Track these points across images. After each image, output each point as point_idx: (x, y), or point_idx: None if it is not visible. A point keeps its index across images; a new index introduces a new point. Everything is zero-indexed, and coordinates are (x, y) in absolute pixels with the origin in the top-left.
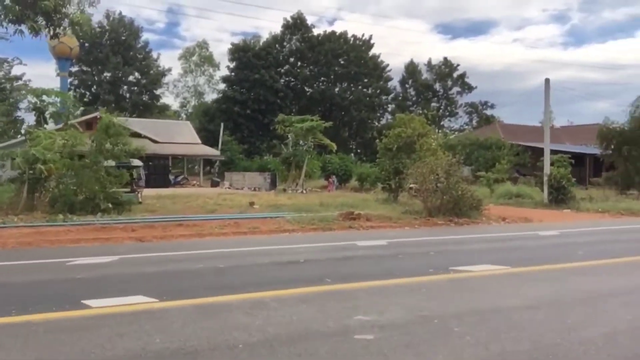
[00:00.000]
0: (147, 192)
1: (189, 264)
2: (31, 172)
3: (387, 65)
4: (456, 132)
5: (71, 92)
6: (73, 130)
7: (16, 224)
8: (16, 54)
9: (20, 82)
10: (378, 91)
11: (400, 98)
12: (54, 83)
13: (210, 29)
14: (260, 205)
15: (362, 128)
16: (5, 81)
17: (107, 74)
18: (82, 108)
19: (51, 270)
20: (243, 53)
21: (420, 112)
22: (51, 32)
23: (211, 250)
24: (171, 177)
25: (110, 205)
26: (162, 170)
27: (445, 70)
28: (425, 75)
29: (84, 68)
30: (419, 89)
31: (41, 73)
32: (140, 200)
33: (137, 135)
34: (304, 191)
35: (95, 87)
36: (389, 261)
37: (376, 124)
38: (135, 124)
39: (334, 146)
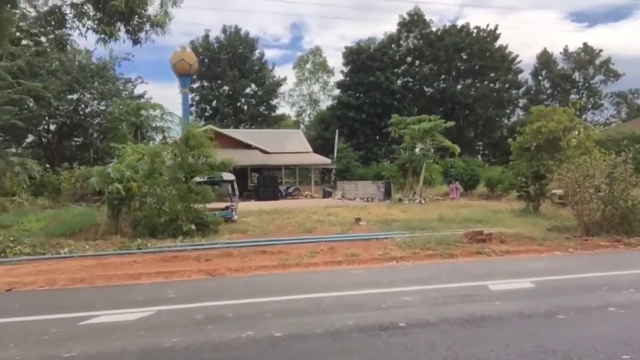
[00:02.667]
0: (250, 206)
1: (234, 326)
2: (109, 192)
3: (517, 56)
4: (602, 126)
5: (193, 107)
6: (160, 145)
7: (83, 253)
8: (146, 76)
9: (143, 100)
10: (507, 85)
11: (532, 92)
12: (178, 100)
13: (331, 38)
14: (368, 222)
15: (489, 127)
16: (130, 101)
17: (225, 88)
18: (202, 122)
19: (42, 338)
20: (357, 56)
21: (558, 105)
22: (131, 37)
23: (282, 297)
24: (282, 189)
25: (193, 227)
26: (271, 181)
27: (585, 57)
28: (562, 64)
29: (205, 83)
30: (555, 80)
31: (167, 93)
32: (235, 217)
33: (247, 146)
34: (423, 201)
35: (215, 101)
36: (543, 328)
37: (505, 121)
38: (245, 134)
39: (457, 148)
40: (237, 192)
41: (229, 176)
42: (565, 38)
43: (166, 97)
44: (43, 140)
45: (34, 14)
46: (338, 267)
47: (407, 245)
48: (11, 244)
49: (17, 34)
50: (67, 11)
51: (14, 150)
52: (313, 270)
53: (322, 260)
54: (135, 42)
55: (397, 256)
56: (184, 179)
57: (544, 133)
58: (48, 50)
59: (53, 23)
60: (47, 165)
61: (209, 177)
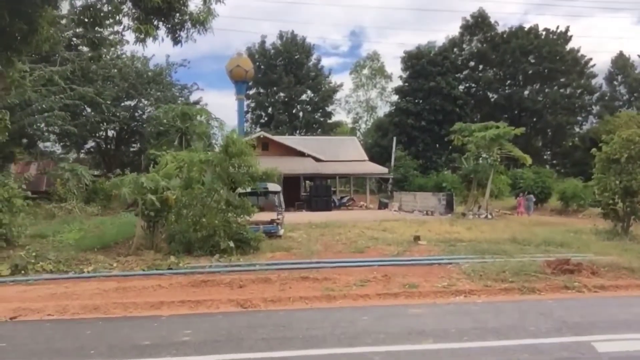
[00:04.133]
0: (301, 217)
1: None
2: (143, 204)
3: (590, 59)
4: None
5: (249, 114)
6: (199, 152)
7: (107, 273)
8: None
9: (198, 107)
10: (579, 91)
11: (607, 98)
12: (234, 107)
13: (390, 46)
14: (429, 241)
15: (559, 135)
16: (175, 105)
17: (281, 94)
18: (257, 129)
19: None
20: (417, 60)
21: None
22: (171, 36)
23: (318, 352)
24: (335, 199)
25: (231, 244)
26: (324, 191)
27: None
28: None
29: (260, 90)
30: (632, 85)
31: (224, 101)
32: (280, 232)
33: (300, 154)
34: (489, 216)
35: (270, 108)
36: None
37: (577, 129)
38: (298, 141)
39: (528, 159)
40: (283, 205)
41: (274, 187)
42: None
43: (223, 104)
44: (101, 146)
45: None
46: (393, 301)
47: (477, 275)
48: (33, 260)
49: (74, 39)
50: (104, 9)
51: (74, 156)
52: (363, 304)
53: (374, 292)
54: (176, 41)
55: (466, 289)
56: (222, 191)
57: (636, 143)
58: (103, 55)
59: (87, 21)
60: (101, 172)
61: (253, 188)
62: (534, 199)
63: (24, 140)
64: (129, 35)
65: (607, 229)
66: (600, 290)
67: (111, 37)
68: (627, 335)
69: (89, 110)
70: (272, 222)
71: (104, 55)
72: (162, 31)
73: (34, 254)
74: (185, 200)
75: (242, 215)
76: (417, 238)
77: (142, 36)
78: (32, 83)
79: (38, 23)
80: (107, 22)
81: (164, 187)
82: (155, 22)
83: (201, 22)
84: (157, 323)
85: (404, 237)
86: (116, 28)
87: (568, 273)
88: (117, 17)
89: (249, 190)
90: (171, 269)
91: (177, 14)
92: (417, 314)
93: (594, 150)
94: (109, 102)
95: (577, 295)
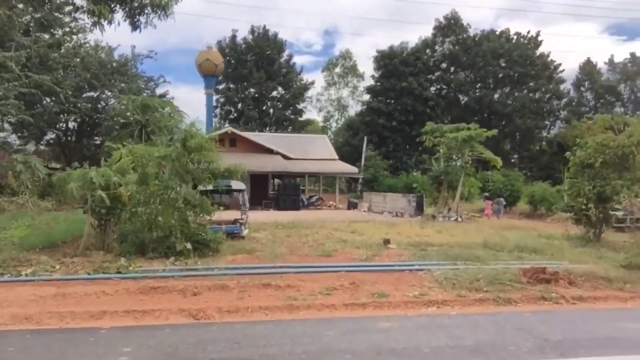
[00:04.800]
0: (267, 216)
1: None
2: (93, 201)
3: (560, 64)
4: None
5: (218, 109)
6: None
7: (48, 276)
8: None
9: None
10: (548, 95)
11: (574, 103)
12: (203, 102)
13: (364, 47)
14: (399, 244)
15: (527, 139)
16: (134, 96)
17: (251, 90)
18: (226, 125)
19: None
20: (389, 60)
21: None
22: (130, 21)
23: None
24: (304, 198)
25: (188, 246)
26: (292, 190)
27: (633, 68)
28: (607, 75)
29: (230, 85)
30: (599, 91)
31: (192, 96)
32: (243, 233)
33: (268, 151)
34: (459, 218)
35: (240, 103)
36: None
37: (545, 134)
38: (267, 138)
39: (499, 161)
40: (247, 203)
41: (238, 184)
42: (605, 50)
43: (193, 99)
44: (61, 138)
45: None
46: (361, 312)
47: (450, 283)
48: None
49: (32, 24)
50: None
51: (33, 148)
52: (328, 316)
53: (340, 301)
54: (135, 26)
55: (438, 299)
56: (179, 188)
57: (611, 147)
58: (63, 43)
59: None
60: (62, 165)
61: (215, 186)
62: (504, 202)
63: None
64: (86, 20)
65: (579, 235)
66: (579, 301)
67: (66, 20)
68: (616, 357)
69: (48, 100)
70: (235, 222)
71: (64, 43)
72: (120, 15)
73: None
74: (140, 197)
75: (201, 215)
76: (386, 241)
77: (96, 19)
78: None
79: None
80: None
81: (115, 183)
82: (113, 5)
83: (162, 6)
84: (95, 337)
85: (374, 240)
86: (67, 8)
87: (544, 283)
88: None
89: (210, 188)
90: (120, 272)
91: None
92: (387, 329)
93: (567, 154)
94: (69, 93)
95: (555, 307)
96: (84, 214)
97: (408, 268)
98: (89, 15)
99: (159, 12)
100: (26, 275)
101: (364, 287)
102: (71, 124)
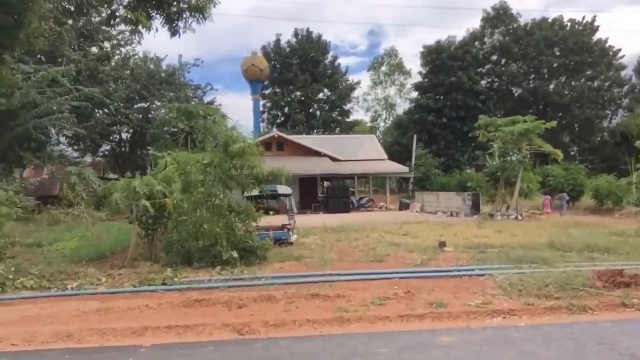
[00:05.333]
0: (316, 220)
1: None
2: (138, 211)
3: (619, 50)
4: None
5: (265, 114)
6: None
7: (93, 290)
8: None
9: (212, 107)
10: (607, 83)
11: (637, 90)
12: (250, 108)
13: (409, 46)
14: (455, 247)
15: (587, 130)
16: (179, 104)
17: (297, 93)
18: (274, 129)
19: None
20: (436, 55)
21: None
22: (168, 26)
23: None
24: (354, 200)
25: (234, 254)
26: (342, 192)
27: None
28: None
29: (276, 89)
30: None
31: (239, 102)
32: (291, 239)
33: (316, 153)
34: (519, 216)
35: (286, 107)
36: None
37: (606, 124)
38: (314, 141)
39: (560, 154)
40: (294, 208)
41: (284, 189)
42: None
43: (240, 106)
44: (115, 149)
45: (97, 18)
46: (418, 324)
47: (515, 289)
48: (12, 275)
49: (81, 39)
50: None
51: (89, 160)
52: (381, 329)
53: (394, 312)
54: (174, 32)
55: (504, 308)
56: (221, 194)
57: None
58: (111, 55)
59: (72, 9)
60: (118, 175)
61: (260, 191)
62: (567, 198)
63: (32, 144)
64: (125, 28)
65: None
66: None
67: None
68: None
69: (99, 112)
70: (282, 227)
71: (113, 56)
72: (158, 21)
73: (12, 268)
74: (185, 205)
75: (247, 222)
76: (442, 244)
77: (134, 26)
78: (35, 84)
79: (25, 15)
80: (93, 9)
81: (159, 192)
82: (150, 11)
83: (200, 9)
84: (134, 357)
85: (428, 243)
86: (105, 16)
87: (623, 286)
88: (105, 5)
89: (256, 193)
90: (165, 284)
91: (174, 2)
92: (448, 344)
93: (638, 142)
94: (120, 104)
95: (638, 316)
96: (129, 224)
97: (467, 273)
98: (127, 24)
99: (197, 16)
100: (72, 289)
101: (420, 295)
102: (124, 135)
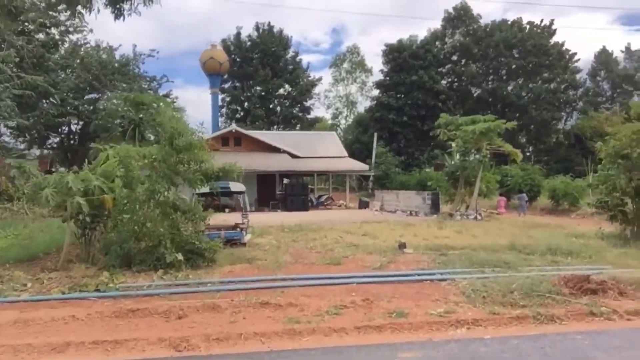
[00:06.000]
0: (274, 218)
1: None
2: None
3: (575, 53)
4: None
5: (224, 109)
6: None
7: (15, 297)
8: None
9: (168, 100)
10: (563, 86)
11: (590, 93)
12: (208, 101)
13: (372, 45)
14: (416, 248)
15: (543, 131)
16: (126, 93)
17: (257, 88)
18: (232, 124)
19: None
20: (398, 54)
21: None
22: (112, 8)
23: None
24: (313, 198)
25: (179, 257)
26: (301, 190)
27: None
28: (624, 64)
29: (236, 84)
30: (616, 80)
31: (198, 97)
32: (244, 239)
33: (275, 149)
34: (478, 216)
35: (246, 102)
36: None
37: (561, 125)
38: (273, 137)
39: (519, 154)
40: (247, 206)
41: (237, 186)
42: (618, 41)
43: (201, 101)
44: (64, 142)
45: (43, 3)
46: (377, 337)
47: (479, 296)
48: None
49: (26, 23)
50: None
51: (37, 152)
52: (336, 343)
53: (351, 323)
54: (118, 14)
55: (468, 318)
56: (166, 192)
57: None
58: (58, 43)
59: None
60: (67, 169)
61: (211, 188)
62: (527, 198)
63: None
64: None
65: (615, 233)
66: (635, 316)
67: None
68: None
69: (45, 102)
70: (235, 227)
71: (61, 43)
72: (100, 3)
73: None
74: (125, 203)
75: (194, 221)
76: (402, 245)
77: (70, 5)
78: None
79: None
80: None
81: (96, 187)
82: None
83: None
84: None
85: (388, 244)
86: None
87: (590, 294)
88: None
89: (206, 190)
90: (99, 289)
91: None
92: None
93: (598, 144)
94: (70, 95)
95: (608, 325)
96: (63, 222)
97: (429, 278)
98: (63, 2)
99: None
100: None
101: (379, 303)
102: (73, 127)
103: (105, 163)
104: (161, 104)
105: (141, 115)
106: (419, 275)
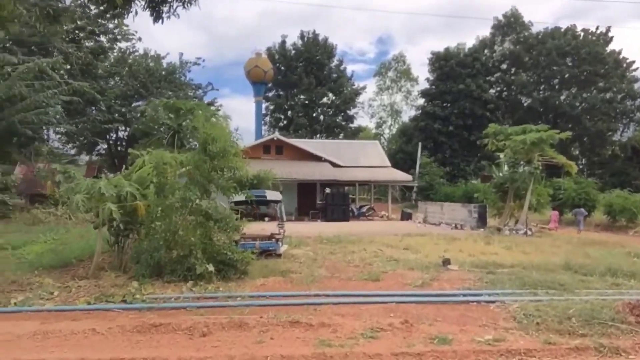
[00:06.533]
0: (312, 228)
1: None
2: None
3: (633, 62)
4: None
5: (267, 117)
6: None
7: (39, 306)
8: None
9: (212, 108)
10: (620, 96)
11: None
12: (253, 110)
13: (419, 54)
14: (461, 265)
15: (598, 143)
16: (166, 100)
17: (300, 97)
18: (276, 132)
19: None
20: (445, 62)
21: None
22: (151, 10)
23: None
24: (354, 208)
25: (210, 268)
26: (341, 199)
27: None
28: None
29: (280, 92)
30: None
31: (242, 106)
32: (280, 250)
33: (316, 158)
34: (529, 232)
35: (289, 111)
36: None
37: (617, 137)
38: (315, 145)
39: (574, 166)
40: (284, 216)
41: (274, 195)
42: None
43: (247, 110)
44: (112, 148)
45: (94, 10)
46: None
47: (532, 322)
48: None
49: (76, 31)
50: None
51: (86, 158)
52: None
53: (388, 349)
54: (157, 17)
55: (520, 348)
56: (198, 200)
57: None
58: (106, 50)
59: None
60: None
61: (247, 197)
62: (585, 213)
63: (21, 139)
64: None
65: None
66: None
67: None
68: None
69: (93, 109)
70: (270, 237)
71: (109, 51)
72: (139, 6)
73: None
74: (157, 211)
75: (228, 230)
76: (446, 261)
77: (107, 7)
78: (21, 75)
79: None
80: None
81: (128, 194)
82: None
83: None
84: None
85: (430, 259)
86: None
87: None
88: None
89: (241, 198)
90: (125, 300)
91: None
92: None
93: None
94: (117, 102)
95: None
96: (95, 229)
97: (475, 299)
98: (100, 6)
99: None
100: (15, 304)
101: (420, 326)
102: (121, 134)
103: (141, 169)
104: (202, 111)
105: (180, 122)
106: (464, 295)
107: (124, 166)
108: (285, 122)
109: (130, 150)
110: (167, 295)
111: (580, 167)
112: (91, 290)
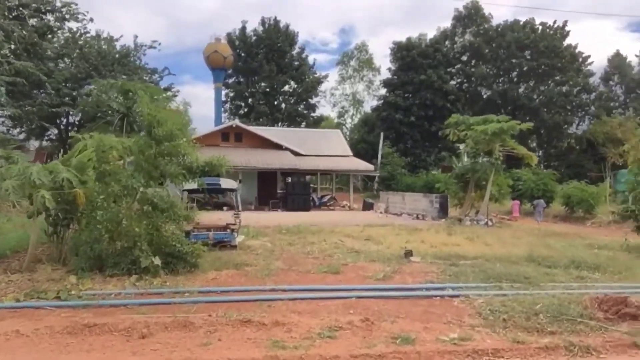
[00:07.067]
0: (272, 218)
1: None
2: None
3: (589, 56)
4: None
5: (227, 104)
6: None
7: None
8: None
9: (169, 93)
10: (576, 89)
11: (603, 98)
12: (211, 96)
13: (381, 46)
14: (423, 257)
15: (554, 135)
16: (114, 81)
17: (261, 84)
18: (235, 120)
19: None
20: (407, 52)
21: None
22: None
23: None
24: (315, 197)
25: (155, 261)
26: (302, 189)
27: None
28: (638, 69)
29: (240, 79)
30: (630, 86)
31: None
32: (235, 241)
33: (277, 146)
34: (489, 222)
35: (250, 98)
36: None
37: (574, 130)
38: (276, 133)
39: (534, 157)
40: (240, 206)
41: (229, 183)
42: (628, 47)
43: (208, 97)
44: (62, 134)
45: None
46: None
47: (499, 319)
48: None
49: (20, 8)
50: None
51: (37, 144)
52: None
53: (347, 351)
54: None
55: (487, 347)
56: (142, 188)
57: None
58: (55, 30)
59: None
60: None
61: (199, 185)
62: (545, 205)
63: None
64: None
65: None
66: None
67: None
68: None
69: (42, 92)
70: (225, 227)
71: (56, 31)
72: None
73: None
74: (98, 199)
75: (177, 220)
76: (408, 253)
77: None
78: None
79: None
80: None
81: (64, 180)
82: None
83: None
84: None
85: (392, 250)
86: None
87: (629, 319)
88: None
89: (194, 186)
90: (59, 297)
91: None
92: None
93: (627, 146)
94: (67, 85)
95: None
96: (28, 218)
97: (439, 293)
98: None
99: None
100: None
101: (381, 324)
102: (72, 118)
103: (82, 154)
104: (154, 94)
105: (130, 105)
106: (427, 289)
107: (61, 151)
108: (245, 109)
109: (71, 133)
110: (107, 291)
111: (538, 158)
112: (23, 285)
